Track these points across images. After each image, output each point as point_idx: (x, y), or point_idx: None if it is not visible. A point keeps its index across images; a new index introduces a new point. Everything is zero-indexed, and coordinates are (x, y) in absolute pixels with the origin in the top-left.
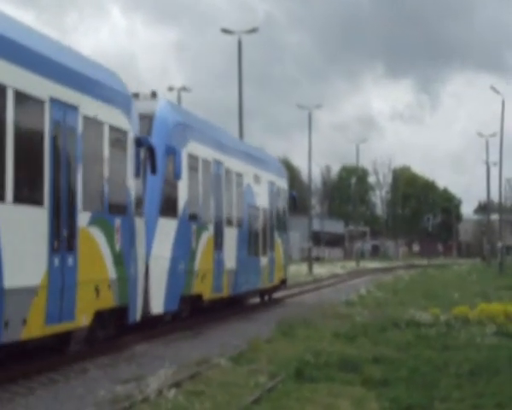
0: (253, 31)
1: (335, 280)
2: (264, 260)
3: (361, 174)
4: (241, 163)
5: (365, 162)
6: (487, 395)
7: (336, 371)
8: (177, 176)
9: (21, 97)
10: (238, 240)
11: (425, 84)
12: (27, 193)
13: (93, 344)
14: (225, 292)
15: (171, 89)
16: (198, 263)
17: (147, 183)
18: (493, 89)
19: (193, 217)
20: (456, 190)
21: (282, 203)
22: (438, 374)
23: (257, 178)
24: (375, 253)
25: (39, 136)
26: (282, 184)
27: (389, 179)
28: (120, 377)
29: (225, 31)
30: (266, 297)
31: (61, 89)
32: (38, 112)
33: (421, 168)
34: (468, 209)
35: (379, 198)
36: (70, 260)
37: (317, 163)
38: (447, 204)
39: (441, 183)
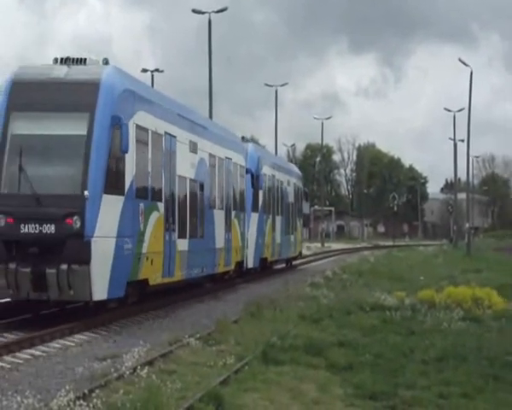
0: (223, 10)
1: (301, 261)
2: (292, 238)
3: (325, 152)
4: (285, 175)
5: (330, 140)
6: (454, 383)
7: (302, 354)
8: (261, 188)
9: (221, 160)
10: (281, 224)
11: (388, 58)
12: (221, 204)
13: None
14: (275, 257)
15: (144, 70)
16: (266, 238)
17: (246, 193)
18: (461, 61)
19: (264, 211)
20: (421, 168)
21: (300, 197)
22: (403, 360)
23: (289, 183)
24: (340, 233)
25: (222, 179)
26: (300, 184)
27: (354, 157)
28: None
29: (196, 11)
30: (289, 264)
31: (229, 151)
32: (223, 166)
33: (386, 145)
34: (434, 188)
35: (344, 177)
36: (229, 235)
37: (284, 142)
38: (413, 183)
39: (407, 160)
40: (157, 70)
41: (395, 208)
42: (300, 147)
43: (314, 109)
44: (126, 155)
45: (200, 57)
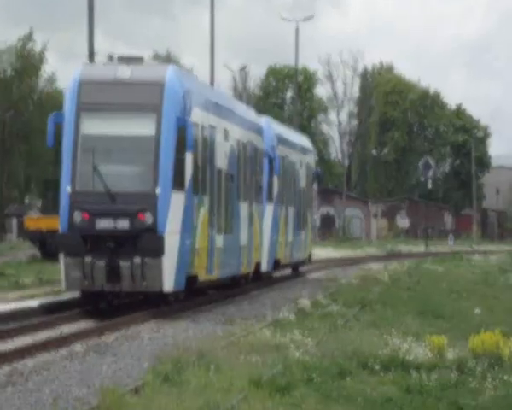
0: None
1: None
2: (302, 235)
3: (303, 82)
4: (297, 154)
5: (312, 60)
6: None
7: None
8: (276, 173)
9: (244, 145)
10: (293, 218)
11: None
12: (244, 195)
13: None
14: (287, 259)
15: None
16: (279, 235)
17: (263, 180)
18: None
19: (279, 201)
20: (478, 111)
21: (312, 181)
22: None
23: (301, 164)
24: (328, 228)
25: (247, 166)
26: (313, 163)
27: (355, 91)
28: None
29: None
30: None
31: (250, 134)
32: (246, 151)
33: (413, 70)
34: (501, 148)
35: (336, 127)
36: (251, 231)
37: (225, 62)
38: (463, 137)
39: (452, 97)
40: None
41: (429, 185)
42: (257, 72)
43: (281, 2)
44: (187, 153)
45: None
